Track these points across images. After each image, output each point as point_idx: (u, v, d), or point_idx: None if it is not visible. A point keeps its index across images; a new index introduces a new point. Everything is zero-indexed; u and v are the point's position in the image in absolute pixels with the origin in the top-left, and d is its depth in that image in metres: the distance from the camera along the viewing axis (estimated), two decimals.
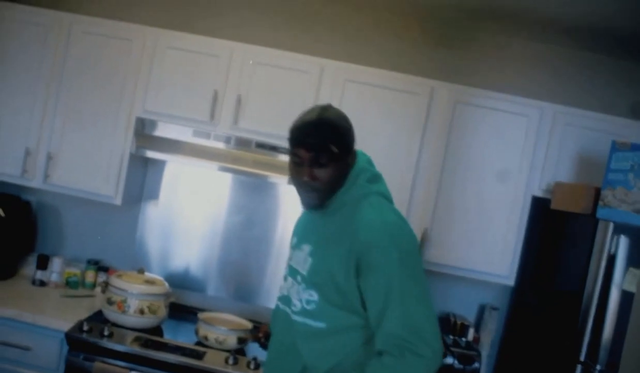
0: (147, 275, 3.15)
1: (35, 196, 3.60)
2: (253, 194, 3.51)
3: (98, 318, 3.02)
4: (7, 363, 2.93)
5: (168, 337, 2.99)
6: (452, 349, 3.06)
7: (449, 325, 3.20)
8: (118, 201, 3.23)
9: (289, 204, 3.47)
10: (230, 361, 2.81)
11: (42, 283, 3.41)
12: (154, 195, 3.56)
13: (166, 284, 3.12)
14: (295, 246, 2.07)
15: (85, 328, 2.87)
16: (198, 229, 3.54)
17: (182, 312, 3.35)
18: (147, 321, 2.98)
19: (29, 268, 3.54)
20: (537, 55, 3.46)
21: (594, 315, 2.60)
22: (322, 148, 1.84)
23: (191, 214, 3.54)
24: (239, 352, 2.90)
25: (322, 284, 1.87)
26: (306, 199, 1.93)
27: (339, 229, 1.88)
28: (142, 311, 2.95)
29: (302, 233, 2.08)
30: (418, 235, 3.01)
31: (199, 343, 2.95)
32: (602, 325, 2.59)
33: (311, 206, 1.94)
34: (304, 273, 1.92)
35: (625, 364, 2.55)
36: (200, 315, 3.05)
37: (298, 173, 1.89)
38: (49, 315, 2.97)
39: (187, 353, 2.83)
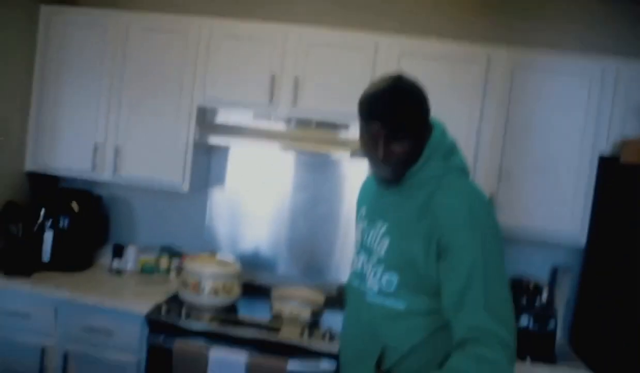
0: (219, 257, 3.23)
1: (106, 190, 3.72)
2: (316, 173, 3.55)
3: (175, 300, 3.13)
4: (92, 347, 3.06)
5: (243, 314, 3.06)
6: (527, 311, 3.04)
7: (522, 288, 3.18)
8: (185, 188, 3.32)
9: (352, 180, 3.51)
10: (306, 334, 2.87)
11: (119, 271, 3.54)
12: (220, 181, 3.64)
13: (238, 264, 3.19)
14: (366, 221, 1.94)
15: (164, 310, 2.97)
16: (265, 210, 3.61)
17: (254, 291, 3.43)
18: (222, 300, 3.06)
19: (105, 258, 3.68)
20: (595, 10, 3.39)
21: None
22: (399, 121, 1.70)
23: (257, 196, 3.61)
24: (313, 325, 2.96)
25: (402, 267, 1.76)
26: (380, 174, 1.81)
27: (418, 211, 1.75)
28: (216, 292, 3.04)
29: (374, 207, 1.94)
30: None
31: (273, 318, 3.02)
32: None
33: (386, 183, 1.83)
34: (381, 254, 1.81)
35: None
36: (274, 291, 3.12)
37: (371, 148, 1.75)
38: (128, 300, 3.09)
39: (263, 328, 2.90)
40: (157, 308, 2.99)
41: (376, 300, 1.82)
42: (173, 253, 3.59)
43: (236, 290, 3.12)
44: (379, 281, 1.80)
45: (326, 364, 2.80)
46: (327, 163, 3.52)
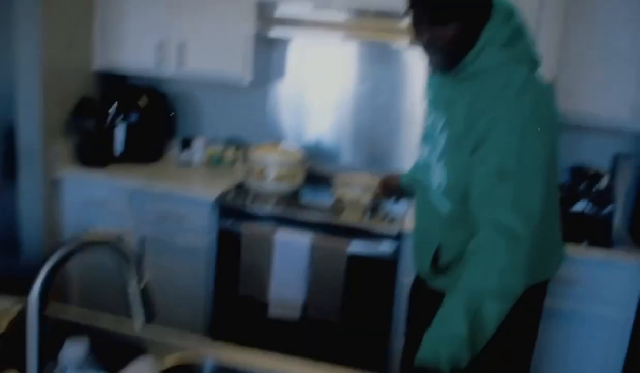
0: (283, 146, 3.34)
1: (172, 86, 3.84)
2: (377, 63, 3.57)
3: (241, 187, 3.28)
4: (165, 232, 3.25)
5: (306, 199, 3.19)
6: (585, 196, 3.06)
7: (582, 174, 3.19)
8: (247, 81, 3.40)
9: (413, 69, 3.51)
10: (366, 217, 2.98)
11: (187, 163, 3.71)
12: (281, 74, 3.70)
13: (301, 152, 3.30)
14: (431, 109, 1.90)
15: (232, 195, 3.13)
16: (326, 101, 3.67)
17: (317, 179, 3.54)
18: (286, 187, 3.19)
19: (173, 151, 3.84)
20: None
21: None
22: (438, 4, 1.61)
23: (318, 88, 3.67)
24: (374, 209, 3.06)
25: (452, 164, 1.73)
26: (430, 61, 1.74)
27: (469, 106, 1.68)
28: (280, 178, 3.17)
29: (437, 96, 1.88)
30: None
31: (336, 203, 3.13)
32: None
33: (437, 70, 1.77)
34: (440, 148, 1.77)
35: None
36: (336, 177, 3.22)
37: (416, 34, 1.69)
38: (197, 188, 3.27)
39: (326, 212, 3.02)
40: (225, 195, 3.15)
41: (434, 196, 1.82)
42: (238, 144, 3.72)
43: (299, 177, 3.24)
44: (438, 176, 1.78)
45: (385, 246, 2.92)
46: (387, 52, 3.53)
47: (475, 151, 1.63)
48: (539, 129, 1.60)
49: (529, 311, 1.87)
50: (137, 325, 0.98)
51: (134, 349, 1.44)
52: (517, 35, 1.71)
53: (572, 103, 3.05)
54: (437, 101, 1.86)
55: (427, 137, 1.87)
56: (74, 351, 0.90)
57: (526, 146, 1.57)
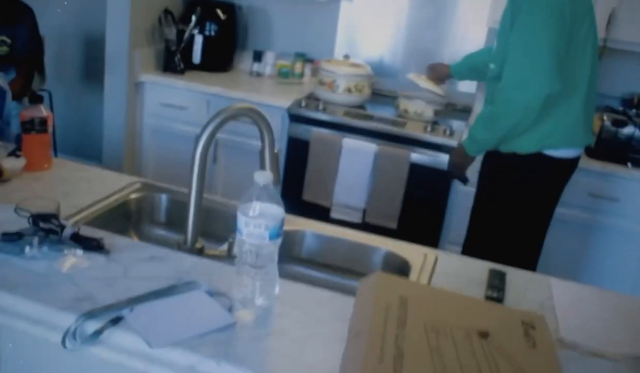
0: (352, 60, 3.59)
1: (247, 0, 4.08)
2: None
3: (311, 97, 3.55)
4: (239, 136, 3.54)
5: (372, 111, 3.46)
6: (633, 122, 3.25)
7: (632, 101, 3.37)
8: None
9: None
10: (429, 129, 3.24)
11: (259, 74, 3.97)
12: None
13: (368, 67, 3.55)
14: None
15: (303, 104, 3.40)
16: (390, 22, 3.88)
17: (380, 95, 3.78)
18: (354, 99, 3.46)
19: (245, 63, 4.10)
20: None
21: None
22: None
23: (383, 8, 3.87)
24: (435, 123, 3.32)
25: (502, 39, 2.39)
26: None
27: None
28: (349, 90, 3.43)
29: None
30: (605, 15, 3.13)
31: (399, 115, 3.40)
32: None
33: None
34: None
35: None
36: (400, 92, 3.47)
37: None
38: (270, 96, 3.55)
39: (391, 123, 3.29)
40: (297, 103, 3.43)
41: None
42: (306, 58, 3.97)
43: (367, 90, 3.50)
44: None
45: (444, 156, 3.18)
46: None
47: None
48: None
49: (544, 175, 2.48)
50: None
51: None
52: None
53: (629, 32, 3.19)
54: None
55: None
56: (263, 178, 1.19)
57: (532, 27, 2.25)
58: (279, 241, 1.23)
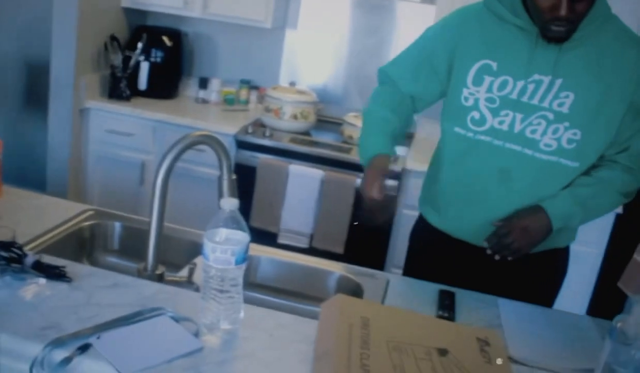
0: (297, 87, 3.66)
1: (192, 27, 4.11)
2: (385, 16, 3.83)
3: (258, 124, 3.60)
4: (187, 162, 3.55)
5: (318, 138, 3.52)
6: None
7: None
8: (268, 25, 3.69)
9: (418, 23, 3.79)
10: None
11: (204, 101, 4.00)
12: (294, 22, 3.99)
13: (314, 94, 3.62)
14: (510, 76, 1.74)
15: (250, 130, 3.44)
16: (334, 50, 3.97)
17: (325, 122, 3.86)
18: (300, 125, 3.52)
19: (190, 90, 4.13)
20: None
21: None
22: None
23: (327, 37, 3.96)
24: None
25: (590, 123, 1.71)
26: (553, 33, 1.63)
27: (606, 60, 1.69)
28: (295, 117, 3.49)
29: (520, 61, 1.73)
30: None
31: (344, 142, 3.47)
32: None
33: (557, 41, 1.65)
34: (562, 109, 1.70)
35: None
36: (345, 117, 3.55)
37: (551, 7, 1.58)
38: (217, 123, 3.57)
39: (336, 149, 3.36)
40: (244, 129, 3.47)
41: (547, 157, 1.75)
42: (251, 85, 4.02)
43: (312, 117, 3.57)
44: (559, 139, 1.73)
45: (390, 181, 3.26)
46: (396, 7, 3.82)
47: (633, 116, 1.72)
48: None
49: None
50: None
51: None
52: None
53: None
54: (531, 66, 1.72)
55: (510, 104, 1.75)
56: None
57: None
58: (244, 265, 1.27)
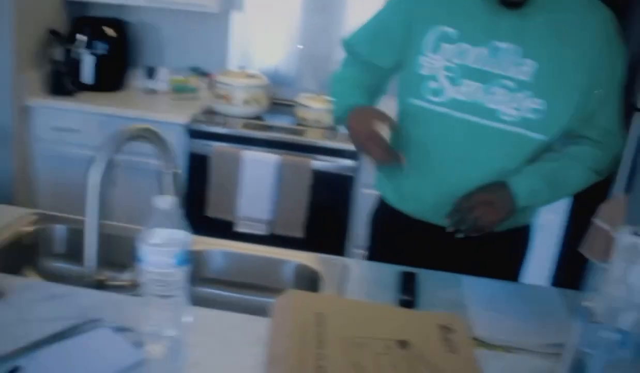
0: (248, 71, 3.55)
1: (136, 15, 3.96)
2: None
3: (209, 111, 3.49)
4: (137, 156, 3.42)
5: (272, 121, 3.43)
6: None
7: None
8: (215, 9, 3.57)
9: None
10: (328, 135, 3.24)
11: (153, 91, 3.87)
12: (239, 3, 3.87)
13: (265, 77, 3.52)
14: (469, 43, 1.66)
15: (201, 118, 3.34)
16: (283, 30, 3.87)
17: (279, 104, 3.77)
18: (252, 110, 3.43)
19: (138, 80, 3.99)
20: None
21: None
22: None
23: (275, 17, 3.85)
24: (335, 128, 3.32)
25: (557, 91, 1.63)
26: None
27: (574, 27, 1.60)
28: (247, 102, 3.39)
29: (480, 27, 1.65)
30: None
31: (299, 124, 3.38)
32: None
33: (514, 5, 1.59)
34: (524, 77, 1.62)
35: None
36: (298, 99, 3.46)
37: None
38: (166, 113, 3.45)
39: (290, 132, 3.28)
40: (195, 118, 3.36)
41: (511, 128, 1.66)
42: (200, 72, 3.90)
43: (264, 101, 3.47)
44: (521, 110, 1.64)
45: (347, 161, 3.19)
46: None
47: (595, 76, 1.63)
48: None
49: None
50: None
51: None
52: None
53: None
54: (485, 30, 1.64)
55: (469, 72, 1.66)
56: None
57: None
58: (186, 267, 1.18)
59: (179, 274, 1.16)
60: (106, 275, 1.48)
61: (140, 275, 1.17)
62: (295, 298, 1.23)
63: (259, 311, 1.36)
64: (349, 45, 1.94)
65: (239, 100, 3.38)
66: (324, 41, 3.79)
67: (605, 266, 1.05)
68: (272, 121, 3.44)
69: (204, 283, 1.79)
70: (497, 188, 1.67)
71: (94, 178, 1.39)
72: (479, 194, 1.67)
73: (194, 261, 1.66)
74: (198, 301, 1.31)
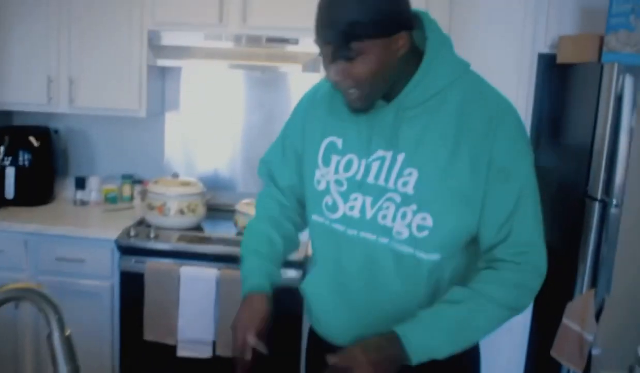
0: (182, 178, 3.32)
1: (62, 123, 3.74)
2: (269, 90, 3.61)
3: (142, 224, 3.23)
4: (65, 276, 3.14)
5: (210, 232, 3.18)
6: None
7: None
8: (143, 113, 3.36)
9: (303, 92, 3.57)
10: None
11: (83, 202, 3.60)
12: (175, 105, 3.68)
13: (200, 184, 3.29)
14: (354, 153, 1.50)
15: (133, 233, 3.07)
16: (221, 131, 3.68)
17: (217, 211, 3.53)
18: (188, 220, 3.17)
19: (68, 191, 3.73)
20: None
21: (606, 155, 2.74)
22: (344, 37, 1.30)
23: (212, 118, 3.68)
24: None
25: (443, 202, 1.41)
26: (348, 101, 1.43)
27: (448, 128, 1.41)
28: (182, 212, 3.14)
29: (362, 135, 1.49)
30: None
31: (239, 233, 3.14)
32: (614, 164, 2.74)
33: (357, 110, 1.43)
34: (407, 190, 1.43)
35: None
36: (237, 206, 3.23)
37: (327, 71, 1.39)
38: (97, 228, 3.18)
39: (231, 243, 3.03)
40: (126, 233, 3.09)
41: (402, 248, 1.46)
42: (135, 180, 3.66)
43: (201, 209, 3.23)
44: (409, 225, 1.44)
45: (293, 272, 2.95)
46: (279, 78, 3.59)
47: (490, 182, 1.41)
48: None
49: None
50: None
51: None
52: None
53: None
54: (366, 139, 1.48)
55: (354, 186, 1.50)
56: None
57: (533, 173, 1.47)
58: None
59: None
60: None
61: None
62: None
63: None
64: (265, 165, 1.82)
65: (173, 210, 3.13)
66: (261, 140, 3.59)
67: None
68: (211, 232, 3.20)
69: None
70: (385, 342, 1.38)
71: None
72: (360, 352, 1.36)
73: None
74: None
